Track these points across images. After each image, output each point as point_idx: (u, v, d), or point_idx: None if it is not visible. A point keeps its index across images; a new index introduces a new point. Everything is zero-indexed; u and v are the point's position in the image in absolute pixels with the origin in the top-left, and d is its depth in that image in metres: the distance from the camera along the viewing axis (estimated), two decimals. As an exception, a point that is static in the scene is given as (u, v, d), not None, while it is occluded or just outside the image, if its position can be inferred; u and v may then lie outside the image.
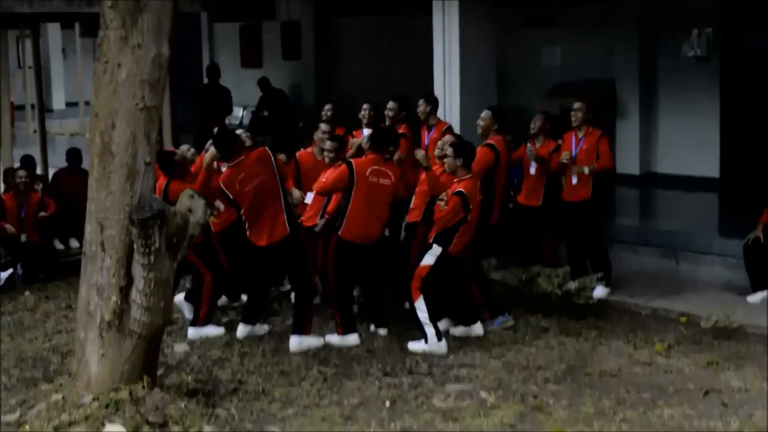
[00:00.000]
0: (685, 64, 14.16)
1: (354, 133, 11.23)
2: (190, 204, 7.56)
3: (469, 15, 11.74)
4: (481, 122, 10.40)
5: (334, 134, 10.53)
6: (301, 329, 9.20)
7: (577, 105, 10.68)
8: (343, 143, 10.34)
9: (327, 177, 9.48)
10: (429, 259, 9.18)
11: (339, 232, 9.31)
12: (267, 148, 9.40)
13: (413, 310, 9.16)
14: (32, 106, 19.14)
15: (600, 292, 10.32)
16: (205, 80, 18.17)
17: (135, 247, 7.18)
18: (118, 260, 7.30)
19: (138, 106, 7.29)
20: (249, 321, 9.61)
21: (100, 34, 7.38)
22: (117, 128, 7.28)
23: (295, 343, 9.14)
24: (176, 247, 7.44)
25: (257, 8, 18.92)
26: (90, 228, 7.42)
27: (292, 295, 9.82)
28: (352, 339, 9.36)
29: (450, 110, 11.74)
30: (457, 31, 11.71)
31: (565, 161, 10.46)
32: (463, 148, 9.36)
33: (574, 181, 10.52)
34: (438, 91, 11.98)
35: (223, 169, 9.41)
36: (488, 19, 12.02)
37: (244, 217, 9.25)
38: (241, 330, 9.54)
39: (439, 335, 9.10)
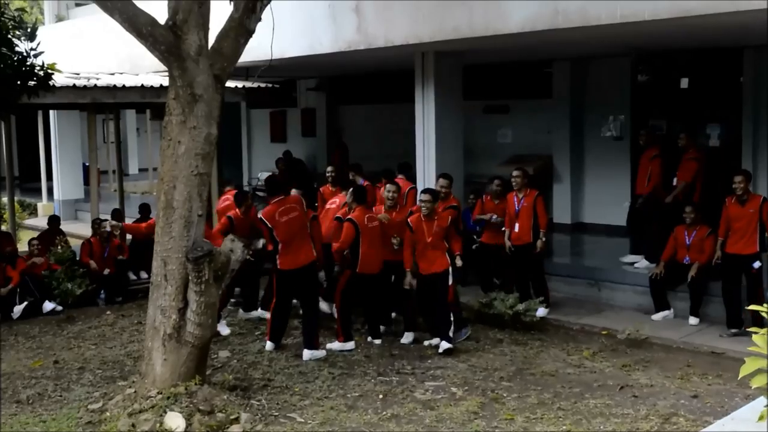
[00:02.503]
0: (604, 142, 14.21)
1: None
2: (231, 246, 7.62)
3: (442, 104, 11.73)
4: (439, 186, 10.42)
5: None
6: (312, 344, 9.06)
7: (515, 173, 10.68)
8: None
9: (341, 237, 9.28)
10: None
11: (357, 269, 9.26)
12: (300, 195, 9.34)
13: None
14: (113, 171, 19.17)
15: (541, 312, 10.30)
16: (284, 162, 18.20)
17: (190, 278, 7.19)
18: (177, 288, 7.31)
19: (193, 173, 7.32)
20: (273, 339, 9.37)
21: (165, 119, 7.45)
22: (177, 189, 7.32)
23: (307, 354, 8.98)
24: (221, 279, 7.43)
25: (283, 98, 19.12)
26: (156, 263, 7.43)
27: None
28: (350, 345, 9.32)
29: (428, 178, 11.74)
30: (433, 117, 11.67)
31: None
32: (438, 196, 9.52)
33: (516, 229, 10.57)
34: (419, 162, 11.96)
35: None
36: (457, 107, 12.01)
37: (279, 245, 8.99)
38: (268, 345, 9.35)
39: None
